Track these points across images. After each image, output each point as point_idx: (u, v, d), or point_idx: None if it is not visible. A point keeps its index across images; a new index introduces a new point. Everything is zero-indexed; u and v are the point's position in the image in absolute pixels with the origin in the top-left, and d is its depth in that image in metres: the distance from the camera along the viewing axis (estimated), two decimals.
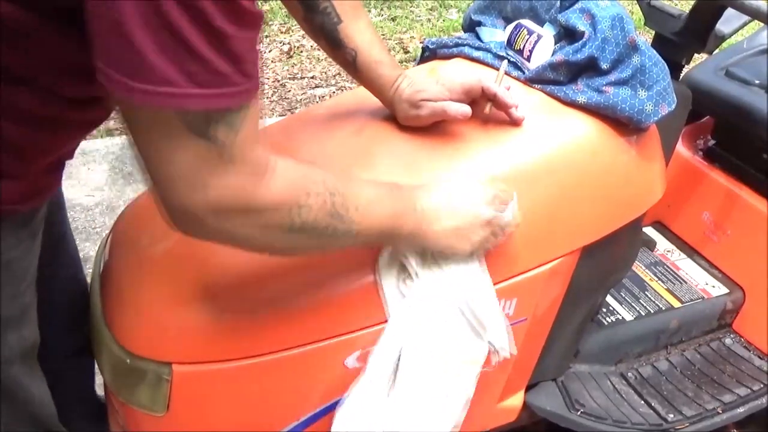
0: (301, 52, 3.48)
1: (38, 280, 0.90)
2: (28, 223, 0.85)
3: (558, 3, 1.12)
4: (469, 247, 0.90)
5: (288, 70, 3.33)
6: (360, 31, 1.04)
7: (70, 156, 0.88)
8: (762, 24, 1.44)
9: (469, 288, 0.93)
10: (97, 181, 2.44)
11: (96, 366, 1.08)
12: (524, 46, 1.13)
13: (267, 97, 3.11)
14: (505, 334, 0.98)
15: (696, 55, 1.42)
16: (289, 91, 3.16)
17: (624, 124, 1.08)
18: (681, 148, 1.66)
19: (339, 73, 3.27)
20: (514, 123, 1.05)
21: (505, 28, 1.20)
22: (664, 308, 1.50)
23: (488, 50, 1.18)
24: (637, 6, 1.44)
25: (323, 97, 3.13)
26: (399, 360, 0.91)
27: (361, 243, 0.83)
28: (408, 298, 0.91)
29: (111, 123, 1.93)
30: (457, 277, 0.92)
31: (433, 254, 0.92)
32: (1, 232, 0.80)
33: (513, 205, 0.94)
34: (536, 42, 1.11)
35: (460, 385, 0.96)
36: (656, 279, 1.58)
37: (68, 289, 1.11)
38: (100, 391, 1.34)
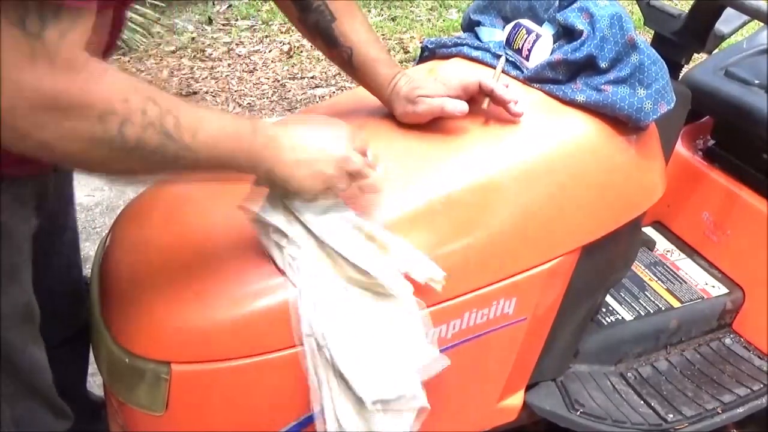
0: (301, 52, 3.48)
1: (33, 265, 0.90)
2: (14, 187, 0.85)
3: (557, 2, 1.12)
4: (320, 185, 0.85)
5: (288, 70, 3.33)
6: (355, 30, 1.04)
7: None
8: (762, 24, 1.44)
9: (347, 233, 0.89)
10: (97, 181, 2.45)
11: (95, 365, 1.08)
12: (523, 45, 1.13)
13: (267, 97, 3.11)
14: (423, 262, 0.92)
15: (695, 55, 1.42)
16: (289, 91, 3.16)
17: (623, 123, 1.08)
18: (681, 148, 1.66)
19: (339, 73, 3.27)
20: (513, 118, 1.05)
21: (504, 27, 1.20)
22: (663, 308, 1.50)
23: (487, 50, 1.18)
24: (637, 6, 1.44)
25: (323, 97, 3.13)
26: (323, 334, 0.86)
27: (202, 169, 0.78)
28: (299, 268, 0.87)
29: None
30: (327, 224, 0.88)
31: (294, 206, 0.87)
32: None
33: (369, 154, 0.91)
34: (535, 41, 1.11)
35: (404, 326, 0.90)
36: (656, 279, 1.58)
37: (61, 279, 1.11)
38: (99, 391, 1.34)
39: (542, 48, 1.11)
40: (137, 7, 3.28)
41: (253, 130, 0.80)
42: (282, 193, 0.87)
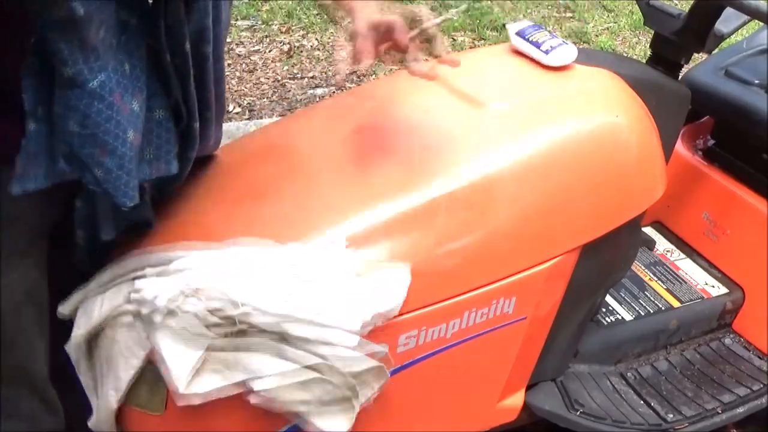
0: (301, 52, 3.48)
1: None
2: None
3: None
4: None
5: (288, 70, 3.33)
6: None
7: None
8: (761, 24, 1.44)
9: None
10: None
11: None
12: (544, 41, 1.13)
13: (267, 97, 3.11)
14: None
15: (695, 55, 1.42)
16: (289, 91, 3.16)
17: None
18: (680, 148, 1.66)
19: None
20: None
21: None
22: (663, 308, 1.49)
23: None
24: (637, 6, 1.44)
25: (323, 97, 3.13)
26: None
27: None
28: None
29: None
30: None
31: None
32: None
33: None
34: (561, 44, 1.12)
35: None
36: (656, 279, 1.58)
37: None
38: None
39: (566, 54, 1.12)
40: None
41: None
42: None
